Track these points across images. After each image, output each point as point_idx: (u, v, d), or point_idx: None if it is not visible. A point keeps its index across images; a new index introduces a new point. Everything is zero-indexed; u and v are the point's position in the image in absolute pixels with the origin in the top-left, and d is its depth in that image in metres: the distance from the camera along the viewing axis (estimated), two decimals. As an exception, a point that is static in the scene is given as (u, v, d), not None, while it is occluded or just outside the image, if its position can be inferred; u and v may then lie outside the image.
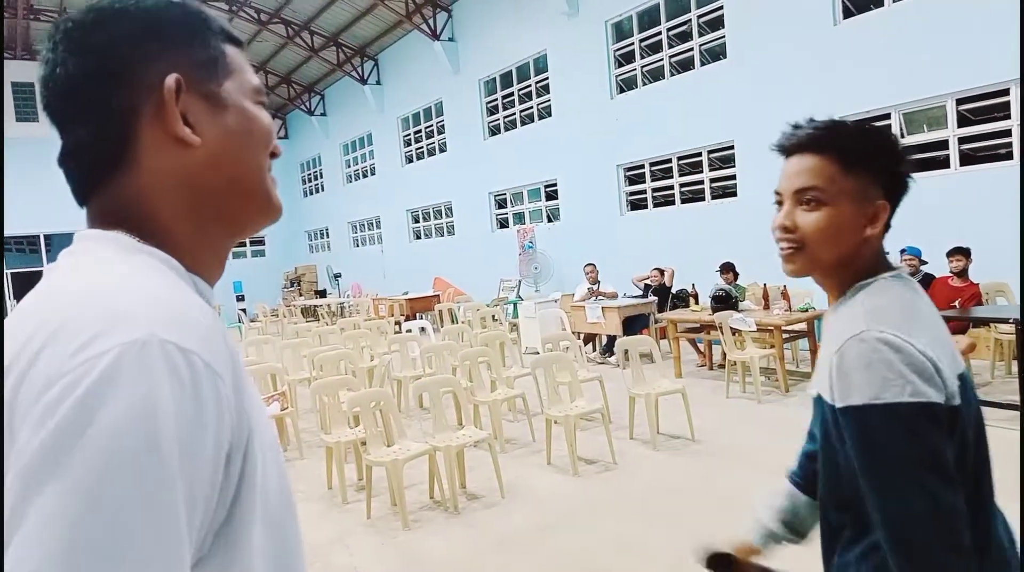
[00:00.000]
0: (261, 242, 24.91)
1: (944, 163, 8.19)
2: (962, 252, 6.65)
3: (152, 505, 0.51)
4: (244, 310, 19.36)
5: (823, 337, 1.24)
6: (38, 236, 20.65)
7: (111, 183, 0.68)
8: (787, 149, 1.24)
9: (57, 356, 0.53)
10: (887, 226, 1.21)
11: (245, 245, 24.42)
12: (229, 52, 0.75)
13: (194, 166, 0.70)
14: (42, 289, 0.63)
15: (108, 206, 0.69)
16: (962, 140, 8.06)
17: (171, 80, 0.68)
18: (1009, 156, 7.71)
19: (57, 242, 20.26)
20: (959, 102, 8.00)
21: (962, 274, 6.59)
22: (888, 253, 1.26)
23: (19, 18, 17.45)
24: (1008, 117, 7.64)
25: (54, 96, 0.68)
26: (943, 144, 8.18)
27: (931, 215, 7.79)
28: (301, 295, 21.95)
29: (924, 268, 7.04)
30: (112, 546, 0.49)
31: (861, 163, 1.17)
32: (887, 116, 8.60)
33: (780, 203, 1.24)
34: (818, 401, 1.19)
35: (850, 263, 1.20)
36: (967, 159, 8.07)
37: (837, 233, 1.17)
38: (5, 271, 19.30)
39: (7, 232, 18.64)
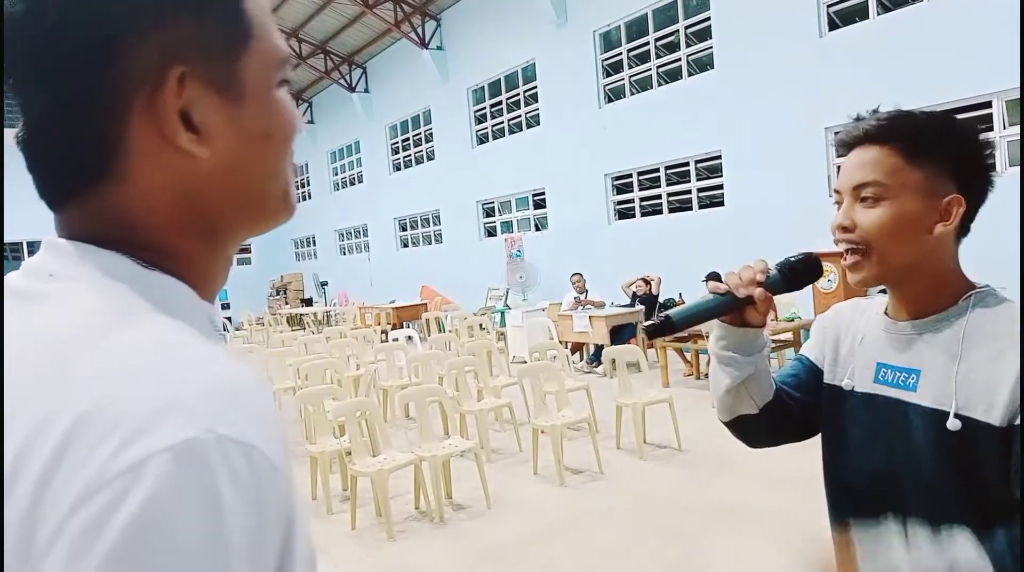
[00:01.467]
0: (247, 250, 24.80)
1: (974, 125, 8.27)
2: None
3: None
4: (229, 319, 19.25)
5: (925, 351, 1.09)
6: (21, 243, 20.44)
7: (93, 191, 0.53)
8: (847, 143, 1.12)
9: (92, 456, 0.41)
10: (966, 227, 1.08)
11: (231, 253, 24.33)
12: (249, 8, 0.56)
13: (200, 181, 0.54)
14: (40, 334, 0.48)
15: (89, 217, 0.53)
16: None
17: (174, 77, 0.51)
18: (991, 168, 7.77)
19: (37, 250, 20.05)
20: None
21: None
22: None
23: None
24: (991, 129, 7.73)
25: (17, 63, 0.52)
26: (989, 147, 8.24)
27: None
28: (287, 303, 21.83)
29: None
30: None
31: (927, 152, 1.05)
32: (872, 127, 8.67)
33: (839, 203, 1.12)
34: (927, 413, 1.07)
35: (926, 269, 1.08)
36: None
37: (903, 231, 1.05)
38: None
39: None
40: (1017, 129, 7.53)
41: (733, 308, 1.15)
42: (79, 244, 0.53)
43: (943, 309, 1.09)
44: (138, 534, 0.40)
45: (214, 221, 0.56)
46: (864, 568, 1.15)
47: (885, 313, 1.18)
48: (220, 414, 0.44)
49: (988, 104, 7.68)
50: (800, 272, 1.15)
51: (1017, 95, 7.42)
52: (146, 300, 0.51)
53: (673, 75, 11.30)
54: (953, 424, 1.03)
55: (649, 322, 1.16)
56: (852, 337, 1.24)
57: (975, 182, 1.07)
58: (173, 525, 0.40)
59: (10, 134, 0.58)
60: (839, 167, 1.14)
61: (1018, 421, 0.97)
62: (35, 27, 0.50)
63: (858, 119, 1.12)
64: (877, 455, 1.14)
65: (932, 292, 1.09)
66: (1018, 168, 7.54)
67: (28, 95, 0.52)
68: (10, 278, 0.54)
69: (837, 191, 1.13)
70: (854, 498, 1.19)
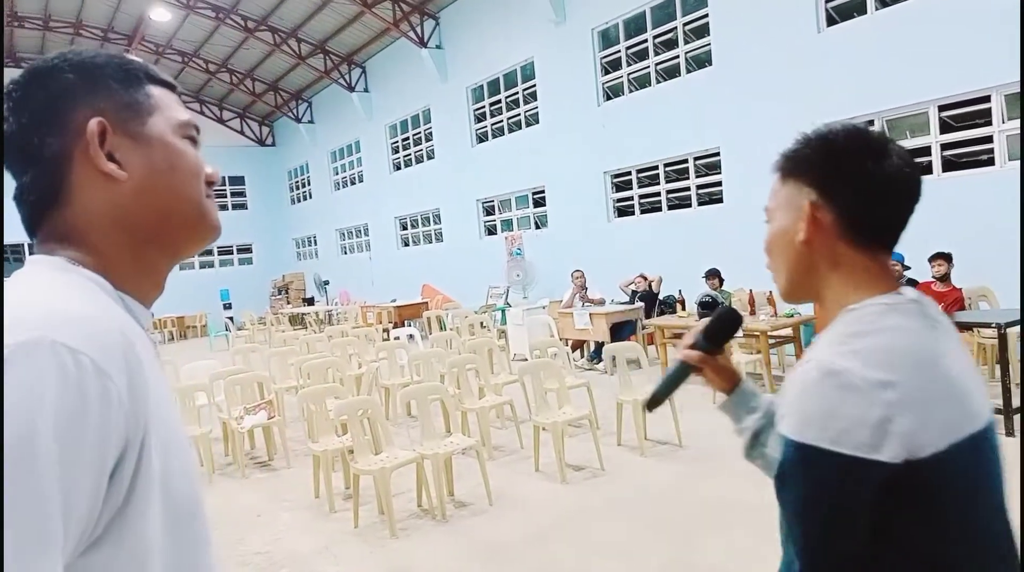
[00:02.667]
0: (248, 250, 24.81)
1: (927, 169, 8.27)
2: (944, 257, 6.72)
3: (23, 493, 0.56)
4: (231, 318, 19.26)
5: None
6: (22, 245, 20.50)
7: (52, 216, 0.78)
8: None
9: None
10: (864, 236, 1.04)
11: (232, 253, 24.33)
12: (154, 93, 0.84)
13: (123, 198, 0.78)
14: None
15: (50, 235, 0.78)
16: (944, 146, 8.15)
17: (93, 123, 0.76)
18: (991, 162, 7.80)
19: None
20: (941, 108, 8.09)
21: (944, 279, 6.66)
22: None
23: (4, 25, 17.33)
24: (989, 123, 7.74)
25: (6, 150, 0.79)
26: (926, 150, 8.27)
27: (913, 220, 7.86)
28: (289, 303, 21.86)
29: (907, 273, 7.11)
30: None
31: (793, 169, 1.08)
32: (871, 123, 8.67)
33: None
34: None
35: (810, 280, 1.07)
36: (949, 165, 8.17)
37: (777, 245, 1.10)
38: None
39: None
40: (1015, 123, 7.53)
41: (687, 374, 1.31)
42: (41, 256, 0.77)
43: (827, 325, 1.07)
44: None
45: (138, 231, 0.80)
46: None
47: None
48: (58, 327, 0.63)
49: (987, 99, 7.69)
50: (718, 329, 1.31)
51: (1015, 90, 7.43)
52: (62, 276, 0.73)
53: (671, 72, 11.31)
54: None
55: (645, 402, 1.37)
56: None
57: (837, 186, 1.03)
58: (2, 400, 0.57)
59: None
60: None
61: (778, 426, 0.98)
62: (15, 123, 0.77)
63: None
64: None
65: (829, 308, 1.06)
66: (1016, 163, 7.55)
67: (14, 166, 0.79)
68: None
69: None
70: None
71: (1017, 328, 5.65)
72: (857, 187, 1.03)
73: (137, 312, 0.79)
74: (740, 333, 6.83)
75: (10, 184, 0.82)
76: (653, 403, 1.33)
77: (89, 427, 0.61)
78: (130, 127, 0.80)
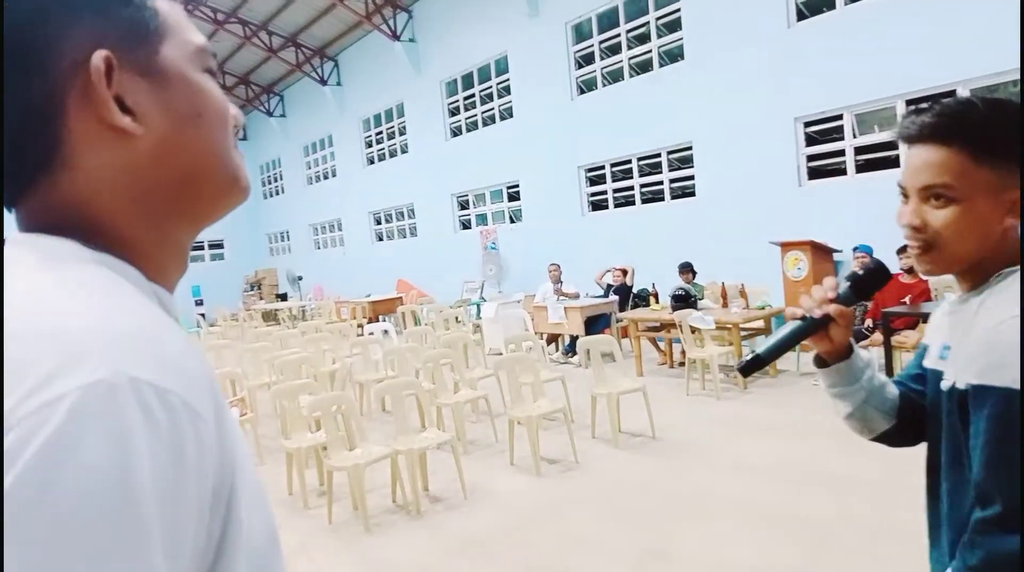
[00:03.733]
0: (220, 245, 24.52)
1: (895, 163, 8.40)
2: (912, 249, 6.81)
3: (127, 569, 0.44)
4: (203, 315, 19.04)
5: (956, 327, 1.14)
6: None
7: (43, 184, 0.57)
8: (909, 138, 1.11)
9: (9, 399, 0.43)
10: None
11: (203, 248, 24.03)
12: (161, 7, 0.62)
13: (139, 158, 0.58)
14: None
15: (44, 209, 0.57)
16: (911, 140, 8.27)
17: (98, 58, 0.55)
18: None
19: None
20: (909, 102, 8.21)
21: (911, 271, 6.77)
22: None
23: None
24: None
25: None
26: (894, 144, 8.37)
27: (882, 213, 8.00)
28: (262, 299, 21.64)
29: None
30: None
31: (995, 150, 1.04)
32: (839, 117, 8.80)
33: (905, 196, 1.13)
34: (943, 387, 1.13)
35: (991, 256, 1.09)
36: (916, 159, 8.29)
37: (974, 231, 1.06)
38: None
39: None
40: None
41: (813, 330, 1.22)
42: (33, 235, 0.56)
43: (980, 285, 1.12)
44: (44, 467, 0.41)
45: (158, 200, 0.60)
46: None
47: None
48: (135, 358, 0.47)
49: (953, 92, 7.82)
50: (868, 282, 1.23)
51: (981, 83, 7.57)
52: (84, 268, 0.54)
53: (644, 66, 11.36)
54: (945, 385, 1.11)
55: (741, 365, 1.24)
56: (940, 319, 1.28)
57: None
58: (76, 464, 0.42)
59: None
60: (907, 155, 1.15)
61: (980, 380, 1.01)
62: None
63: (918, 112, 1.11)
64: (933, 430, 1.20)
65: (986, 272, 1.11)
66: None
67: None
68: None
69: (902, 186, 1.14)
70: (927, 471, 1.24)
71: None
72: None
73: (170, 306, 0.62)
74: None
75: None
76: (756, 366, 1.22)
77: (190, 489, 0.47)
78: (139, 59, 0.58)
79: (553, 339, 10.06)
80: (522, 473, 5.24)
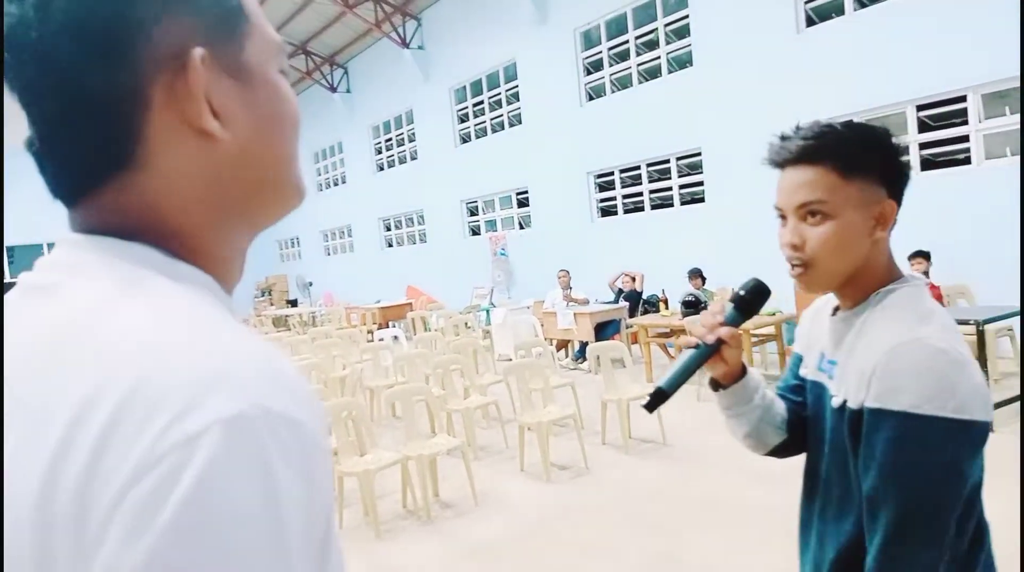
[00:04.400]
0: (231, 252, 24.59)
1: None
2: (923, 255, 6.80)
3: None
4: (214, 321, 19.07)
5: (841, 343, 1.19)
6: (12, 247, 20.25)
7: (112, 183, 0.53)
8: (779, 162, 1.20)
9: (143, 432, 0.42)
10: (893, 226, 1.18)
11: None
12: (246, 2, 0.58)
13: (220, 164, 0.55)
14: (70, 321, 0.48)
15: (113, 210, 0.53)
16: (922, 145, 8.25)
17: (197, 56, 0.52)
18: (967, 161, 7.91)
19: (20, 254, 19.83)
20: (919, 108, 8.19)
21: (923, 276, 6.74)
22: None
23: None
24: (966, 123, 7.84)
25: (27, 66, 0.51)
26: (904, 149, 8.35)
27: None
28: (272, 305, 21.73)
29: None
30: None
31: (860, 166, 1.13)
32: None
33: (783, 218, 1.19)
34: (833, 404, 1.18)
35: (865, 270, 1.16)
36: (927, 164, 8.27)
37: (847, 244, 1.13)
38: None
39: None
40: (992, 122, 7.64)
41: (709, 355, 1.26)
42: (100, 237, 0.53)
43: (859, 303, 1.18)
44: (196, 508, 0.40)
45: (233, 209, 0.57)
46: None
47: (835, 306, 1.27)
48: (267, 389, 0.45)
49: (963, 98, 7.79)
50: (751, 300, 1.27)
51: (991, 89, 7.54)
52: (176, 281, 0.52)
53: (653, 73, 11.37)
54: (836, 403, 1.17)
55: (645, 403, 1.27)
56: (816, 328, 1.34)
57: (899, 183, 1.16)
58: (230, 499, 0.41)
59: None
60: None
61: (876, 404, 1.06)
62: (41, 30, 0.49)
63: (784, 138, 1.19)
64: (813, 438, 1.27)
65: (862, 288, 1.18)
66: (993, 161, 7.66)
67: (40, 97, 0.52)
68: (24, 276, 0.54)
69: (779, 209, 1.20)
70: (805, 475, 1.32)
71: (994, 325, 5.75)
72: (905, 184, 1.17)
73: (236, 315, 0.58)
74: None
75: (13, 182, 0.62)
76: (659, 399, 1.25)
77: (321, 520, 0.47)
78: (227, 58, 0.55)
79: (563, 345, 10.05)
80: (532, 479, 5.23)
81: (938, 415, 1.01)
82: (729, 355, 1.27)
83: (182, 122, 0.52)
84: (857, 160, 1.13)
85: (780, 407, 1.37)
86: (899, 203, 1.16)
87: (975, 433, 1.03)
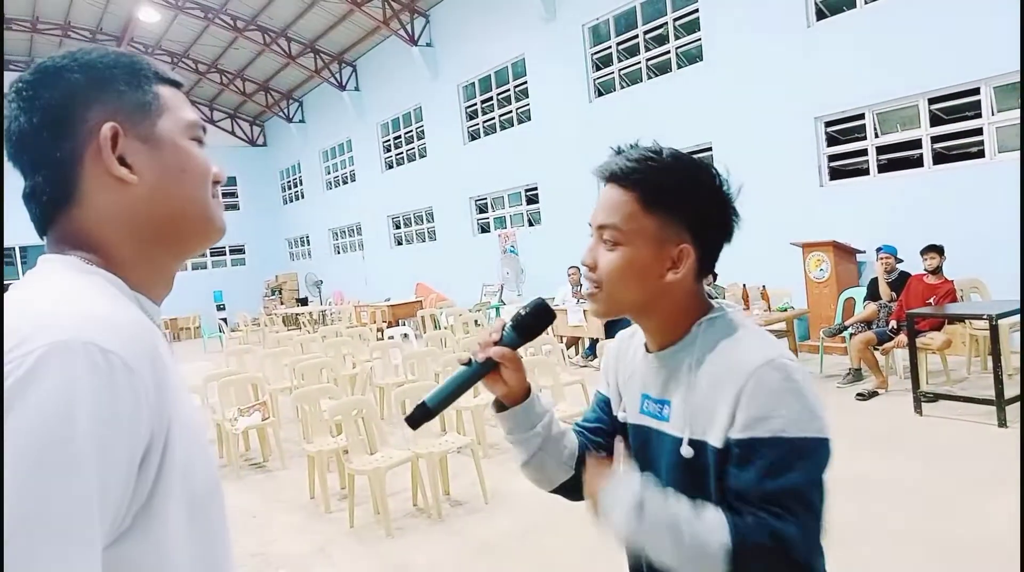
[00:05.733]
0: (241, 251, 24.72)
1: (918, 162, 8.30)
2: (936, 249, 6.74)
3: (64, 490, 0.59)
4: (224, 320, 19.18)
5: (672, 381, 1.14)
6: (13, 248, 20.47)
7: (64, 216, 0.78)
8: (603, 176, 1.14)
9: (4, 355, 0.62)
10: (709, 268, 1.14)
11: (224, 254, 24.26)
12: (164, 94, 0.83)
13: (134, 200, 0.79)
14: (7, 300, 0.71)
15: (62, 236, 0.79)
16: (935, 139, 8.17)
17: (107, 129, 0.77)
18: (981, 154, 7.82)
19: (33, 254, 20.03)
20: (931, 101, 8.11)
21: (936, 271, 6.68)
22: (710, 286, 1.20)
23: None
24: (979, 116, 7.76)
25: (13, 148, 0.78)
26: (916, 143, 8.29)
27: (905, 213, 7.90)
28: (282, 304, 21.80)
29: (899, 266, 7.13)
30: (26, 524, 0.57)
31: (663, 203, 1.09)
32: (861, 116, 8.71)
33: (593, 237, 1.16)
34: (672, 441, 1.12)
35: (656, 306, 1.13)
36: (940, 158, 8.19)
37: (632, 276, 1.10)
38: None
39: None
40: (1006, 115, 7.56)
41: (481, 374, 1.18)
42: (53, 255, 0.78)
43: (678, 340, 1.14)
44: (11, 401, 0.59)
45: (146, 233, 0.80)
46: None
47: (645, 345, 1.22)
48: (88, 328, 0.65)
49: (977, 91, 7.71)
50: (531, 323, 1.20)
51: (1005, 82, 7.45)
52: (80, 277, 0.74)
53: (662, 68, 11.31)
54: (686, 451, 1.09)
55: (408, 416, 1.19)
56: (626, 367, 1.28)
57: (710, 233, 1.11)
58: (33, 400, 0.59)
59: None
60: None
61: (735, 437, 1.03)
62: (25, 123, 0.77)
63: (617, 152, 1.14)
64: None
65: (669, 326, 1.14)
66: (1007, 155, 7.57)
67: (22, 163, 0.79)
68: (22, 278, 0.78)
69: (590, 224, 1.17)
70: None
71: (1008, 320, 5.68)
72: (721, 235, 1.13)
73: (151, 311, 0.81)
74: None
75: (14, 183, 0.83)
76: (422, 417, 1.18)
77: (122, 424, 0.64)
78: (141, 129, 0.80)
79: (573, 342, 10.03)
80: (543, 477, 5.21)
81: (806, 436, 1.01)
82: (507, 376, 1.19)
83: (106, 173, 0.77)
84: (664, 196, 1.09)
85: (571, 442, 1.28)
86: (713, 250, 1.13)
87: (828, 450, 1.04)
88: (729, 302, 1.06)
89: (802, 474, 1.01)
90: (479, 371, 1.18)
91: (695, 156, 1.16)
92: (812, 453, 1.02)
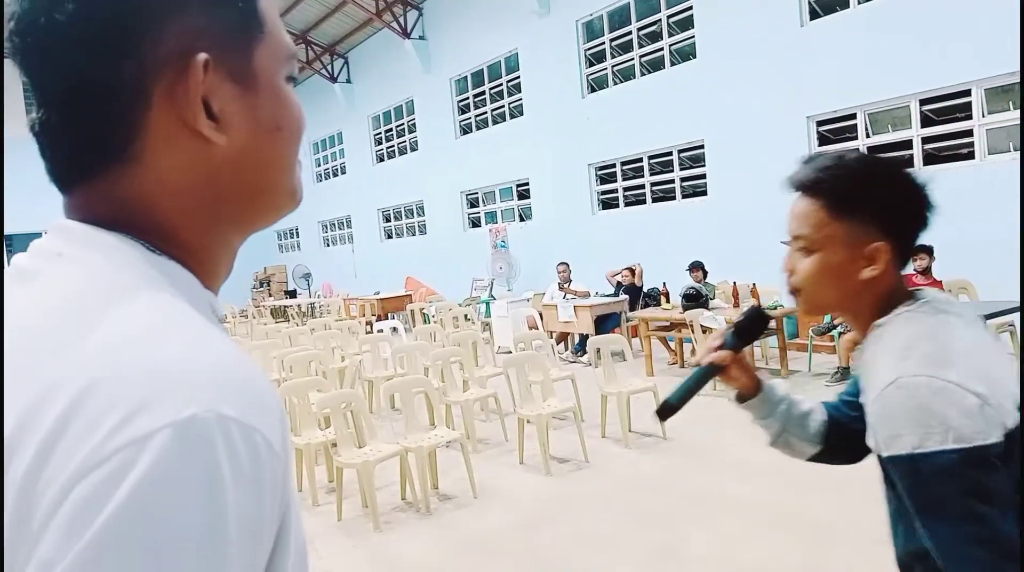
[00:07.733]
0: (230, 242, 24.54)
1: (908, 163, 8.33)
2: (926, 250, 6.76)
3: None
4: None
5: (862, 370, 1.20)
6: (10, 236, 20.23)
7: (107, 174, 0.53)
8: (793, 186, 1.21)
9: (95, 430, 0.42)
10: (905, 260, 1.17)
11: (213, 245, 24.07)
12: (262, 4, 0.58)
13: (215, 167, 0.55)
14: (38, 314, 0.49)
15: (103, 200, 0.54)
16: (925, 140, 8.21)
17: (200, 61, 0.52)
18: (971, 156, 7.87)
19: (18, 242, 19.77)
20: (922, 102, 8.15)
21: (926, 272, 6.71)
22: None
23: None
24: (969, 117, 7.80)
25: (33, 52, 0.52)
26: (907, 144, 8.33)
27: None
28: (271, 296, 21.69)
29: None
30: None
31: (848, 208, 1.13)
32: (853, 116, 8.73)
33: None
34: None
35: (857, 302, 1.18)
36: (930, 159, 8.23)
37: (829, 279, 1.16)
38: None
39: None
40: (996, 117, 7.60)
41: (711, 376, 1.34)
42: (88, 226, 0.53)
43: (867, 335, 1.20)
44: (137, 508, 0.40)
45: (224, 210, 0.57)
46: None
47: None
48: (221, 393, 0.45)
49: (967, 93, 7.75)
50: (748, 328, 1.35)
51: (995, 84, 7.49)
52: (148, 279, 0.52)
53: (656, 65, 11.31)
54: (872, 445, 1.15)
55: (657, 410, 1.33)
56: None
57: (903, 224, 1.15)
58: (173, 501, 0.41)
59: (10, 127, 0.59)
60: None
61: (886, 452, 1.06)
62: (50, 16, 0.50)
63: (805, 162, 1.20)
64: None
65: (865, 321, 1.18)
66: (997, 156, 7.62)
67: (44, 82, 0.53)
68: (16, 258, 0.55)
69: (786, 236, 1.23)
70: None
71: (996, 320, 5.73)
72: (916, 225, 1.15)
73: (220, 312, 0.60)
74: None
75: (12, 180, 0.67)
76: (668, 412, 1.30)
77: (266, 529, 0.47)
78: (234, 60, 0.55)
79: (563, 338, 10.03)
80: (532, 472, 5.22)
81: (943, 449, 1.00)
82: (735, 375, 1.34)
83: (181, 122, 0.53)
84: (850, 202, 1.13)
85: (816, 420, 1.38)
86: (906, 241, 1.15)
87: (980, 455, 1.00)
88: (933, 292, 1.04)
89: (944, 487, 1.01)
90: (708, 372, 1.33)
91: (882, 155, 1.22)
92: (953, 463, 0.99)
